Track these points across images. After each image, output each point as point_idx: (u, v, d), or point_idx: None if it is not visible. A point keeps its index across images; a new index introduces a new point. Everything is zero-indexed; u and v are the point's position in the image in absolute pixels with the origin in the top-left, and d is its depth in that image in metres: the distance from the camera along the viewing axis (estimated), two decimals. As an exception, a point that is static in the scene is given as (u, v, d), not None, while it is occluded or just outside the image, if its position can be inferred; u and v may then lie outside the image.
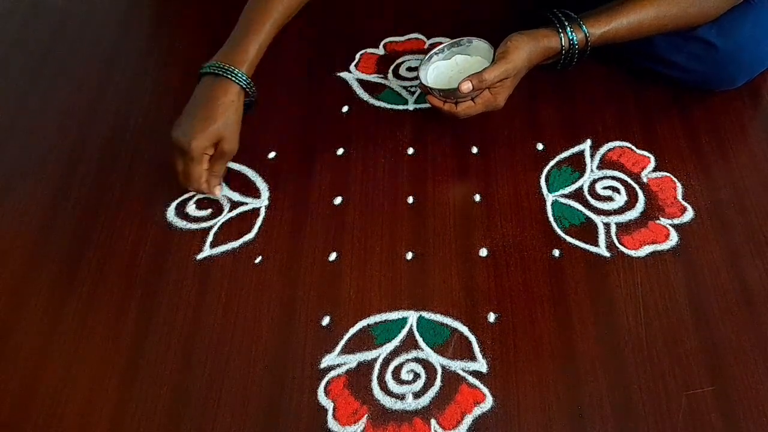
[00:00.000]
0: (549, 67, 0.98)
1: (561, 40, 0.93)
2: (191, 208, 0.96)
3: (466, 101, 0.93)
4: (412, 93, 1.07)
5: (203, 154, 0.89)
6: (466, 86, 0.90)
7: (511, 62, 0.91)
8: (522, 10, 1.17)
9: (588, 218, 0.92)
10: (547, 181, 0.96)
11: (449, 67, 0.99)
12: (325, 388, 0.79)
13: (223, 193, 0.96)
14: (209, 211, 0.95)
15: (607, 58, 1.05)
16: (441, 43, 1.13)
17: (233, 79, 0.88)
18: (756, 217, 0.91)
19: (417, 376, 0.80)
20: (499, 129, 1.01)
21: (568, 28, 0.93)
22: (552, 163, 0.98)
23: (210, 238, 0.93)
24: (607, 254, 0.88)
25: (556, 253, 0.89)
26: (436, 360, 0.81)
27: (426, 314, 0.85)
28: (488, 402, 0.78)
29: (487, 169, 0.98)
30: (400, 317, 0.85)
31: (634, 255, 0.88)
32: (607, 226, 0.91)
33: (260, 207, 0.95)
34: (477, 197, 0.95)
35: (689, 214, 0.92)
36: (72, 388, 0.81)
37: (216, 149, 0.90)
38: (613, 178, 0.96)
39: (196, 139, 0.87)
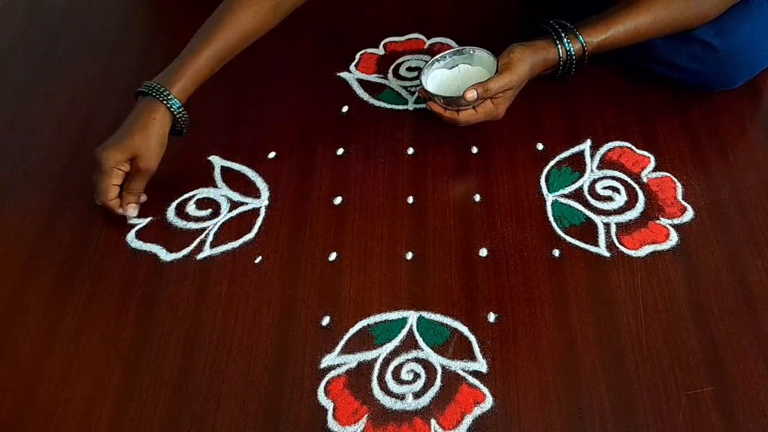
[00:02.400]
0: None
1: (558, 51, 0.94)
2: (191, 208, 0.96)
3: (467, 109, 0.94)
4: (412, 93, 1.07)
5: (114, 167, 0.88)
6: (471, 94, 0.90)
7: (516, 74, 0.91)
8: (522, 10, 1.17)
9: (588, 218, 0.92)
10: (547, 181, 0.96)
11: (451, 75, 1.00)
12: (325, 388, 0.79)
13: (223, 193, 0.97)
14: (209, 211, 0.95)
15: (607, 58, 1.05)
16: (441, 43, 1.13)
17: (160, 98, 0.89)
18: (756, 217, 0.91)
19: (417, 376, 0.80)
20: (499, 129, 1.01)
21: (565, 39, 0.94)
22: (552, 163, 0.98)
23: (210, 238, 0.93)
24: (607, 254, 0.88)
25: (556, 253, 0.89)
26: (436, 360, 0.81)
27: (426, 314, 0.85)
28: (488, 402, 0.78)
29: (487, 169, 0.98)
30: (400, 317, 0.85)
31: (634, 255, 0.88)
32: (607, 226, 0.91)
33: (260, 207, 0.95)
34: (477, 197, 0.95)
35: (689, 214, 0.92)
36: (72, 388, 0.81)
37: (132, 166, 0.90)
38: (613, 178, 0.96)
39: (108, 151, 0.88)
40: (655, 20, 0.92)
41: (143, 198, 0.94)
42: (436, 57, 1.00)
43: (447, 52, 1.00)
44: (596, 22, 0.94)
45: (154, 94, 0.90)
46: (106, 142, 0.89)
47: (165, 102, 0.90)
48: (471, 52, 0.99)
